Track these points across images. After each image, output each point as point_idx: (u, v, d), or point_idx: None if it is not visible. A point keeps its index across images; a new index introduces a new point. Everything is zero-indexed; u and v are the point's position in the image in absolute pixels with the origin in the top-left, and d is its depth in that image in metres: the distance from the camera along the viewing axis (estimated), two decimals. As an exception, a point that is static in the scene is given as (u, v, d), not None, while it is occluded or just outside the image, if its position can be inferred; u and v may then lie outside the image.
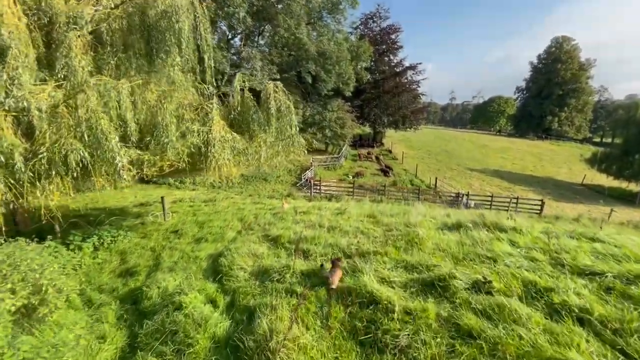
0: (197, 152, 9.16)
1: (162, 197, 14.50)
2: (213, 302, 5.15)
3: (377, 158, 35.00)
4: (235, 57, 27.00)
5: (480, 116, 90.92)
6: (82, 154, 6.41)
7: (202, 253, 7.59)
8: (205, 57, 9.71)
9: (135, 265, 7.87)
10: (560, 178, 35.90)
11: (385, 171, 30.28)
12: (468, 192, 23.56)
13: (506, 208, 21.97)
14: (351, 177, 28.76)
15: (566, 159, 45.66)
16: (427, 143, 50.65)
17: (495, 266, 5.02)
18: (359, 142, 42.07)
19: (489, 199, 22.54)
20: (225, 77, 25.71)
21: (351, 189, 23.11)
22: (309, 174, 27.56)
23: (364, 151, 37.55)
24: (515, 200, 22.24)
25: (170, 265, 7.28)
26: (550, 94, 66.26)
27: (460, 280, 4.58)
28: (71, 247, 9.43)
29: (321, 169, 30.58)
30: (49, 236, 9.68)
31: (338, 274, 4.97)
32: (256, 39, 29.52)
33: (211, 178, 26.42)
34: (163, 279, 5.93)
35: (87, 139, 6.59)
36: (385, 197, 21.99)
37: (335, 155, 33.21)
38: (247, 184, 26.78)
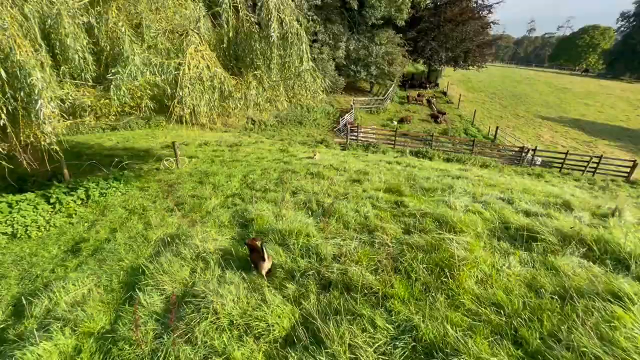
0: (167, 95, 6.58)
1: (173, 143, 12.68)
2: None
3: (428, 101, 29.73)
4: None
5: (564, 52, 73.70)
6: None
7: (157, 233, 5.52)
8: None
9: (85, 240, 6.14)
10: (661, 132, 27.69)
11: (436, 117, 25.50)
12: (535, 147, 18.61)
13: (582, 169, 17.02)
14: (395, 123, 24.72)
15: (673, 108, 35.13)
16: (492, 84, 42.34)
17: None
18: (409, 82, 36.11)
19: (562, 155, 17.54)
20: None
21: (392, 137, 19.51)
22: (347, 117, 24.08)
23: (414, 93, 32.14)
24: (597, 160, 17.02)
25: (99, 254, 5.36)
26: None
27: None
28: (51, 200, 8.06)
29: (362, 112, 26.73)
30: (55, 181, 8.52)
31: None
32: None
33: (243, 120, 24.45)
34: (61, 287, 3.97)
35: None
36: (432, 149, 18.19)
37: (380, 97, 28.69)
38: (280, 126, 24.30)
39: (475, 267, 3.47)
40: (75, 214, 8.04)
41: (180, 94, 6.22)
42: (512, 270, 3.45)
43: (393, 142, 19.32)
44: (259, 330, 2.91)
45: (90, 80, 6.09)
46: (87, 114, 5.80)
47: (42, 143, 5.29)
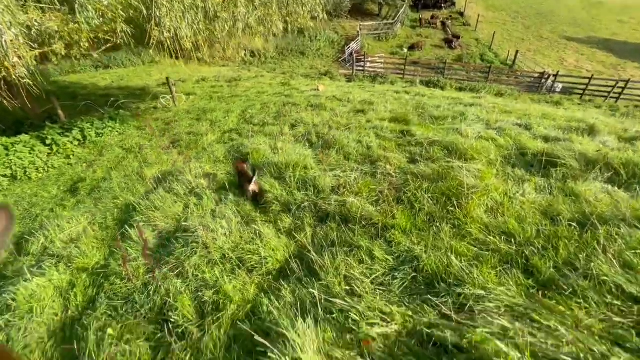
0: (143, 17, 5.78)
1: (167, 79, 11.90)
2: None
3: (442, 24, 26.82)
4: None
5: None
6: None
7: (152, 171, 5.30)
8: None
9: (82, 179, 6.00)
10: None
11: (450, 42, 23.21)
12: (557, 72, 17.04)
13: (605, 95, 15.75)
14: (405, 51, 22.69)
15: None
16: (515, 1, 37.60)
17: None
18: (422, 1, 32.22)
19: (585, 81, 16.11)
20: None
21: (402, 67, 18.03)
22: (354, 46, 22.11)
23: (427, 14, 28.86)
24: (622, 84, 15.61)
25: (96, 192, 5.20)
26: None
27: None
28: (47, 142, 7.82)
29: (370, 40, 24.45)
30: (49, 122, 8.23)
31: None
32: None
33: (242, 52, 22.68)
34: (57, 225, 3.88)
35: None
36: (444, 79, 16.87)
37: (390, 21, 25.92)
38: (282, 59, 22.63)
39: (486, 196, 3.15)
40: (73, 155, 7.86)
41: (158, 14, 5.42)
42: (526, 197, 3.13)
43: (402, 72, 17.91)
44: (252, 264, 2.77)
45: (57, 3, 5.30)
46: (55, 42, 5.14)
47: (13, 76, 4.80)
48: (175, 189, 4.18)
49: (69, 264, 3.19)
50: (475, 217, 2.88)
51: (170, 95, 11.87)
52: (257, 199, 3.61)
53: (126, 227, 3.48)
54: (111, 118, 9.58)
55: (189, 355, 2.02)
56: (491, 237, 2.63)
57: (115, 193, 4.76)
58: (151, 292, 2.53)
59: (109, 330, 2.22)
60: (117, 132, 9.12)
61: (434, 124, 5.87)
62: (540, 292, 2.10)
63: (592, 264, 2.17)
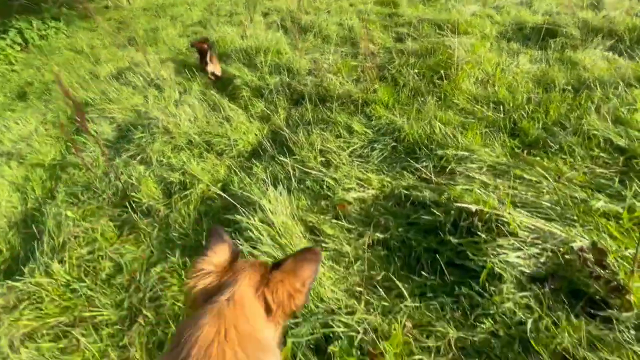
0: None
1: (114, -32, 9.87)
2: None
3: None
4: None
5: None
6: None
7: (107, 68, 4.64)
8: None
9: (30, 84, 5.29)
10: None
11: None
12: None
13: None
14: None
15: None
16: None
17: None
18: None
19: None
20: None
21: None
22: None
23: None
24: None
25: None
26: None
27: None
28: (-19, 46, 6.71)
29: None
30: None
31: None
32: None
33: None
34: (3, 126, 3.45)
35: None
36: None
37: None
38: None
39: (477, 67, 2.84)
40: (17, 61, 6.85)
41: None
42: (520, 68, 2.83)
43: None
44: (221, 147, 2.54)
45: None
46: None
47: None
48: (133, 82, 3.68)
49: (22, 161, 2.90)
50: (463, 88, 2.62)
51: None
52: (218, 79, 3.36)
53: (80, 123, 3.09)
54: (53, 18, 8.18)
55: (156, 230, 1.91)
56: (478, 107, 2.42)
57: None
58: (112, 179, 2.32)
59: (68, 212, 2.06)
60: (63, 34, 7.89)
61: (425, 5, 5.14)
62: (525, 152, 1.98)
63: (583, 120, 2.01)
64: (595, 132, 1.92)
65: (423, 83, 2.79)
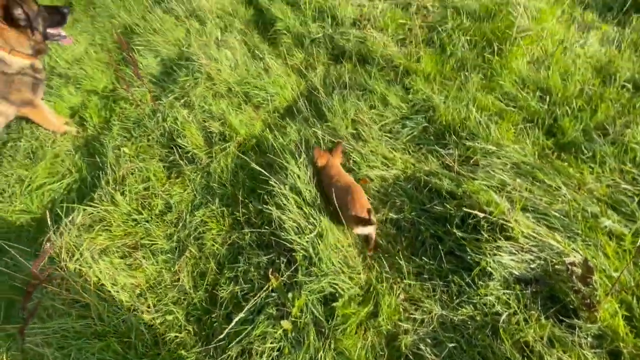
0: None
1: None
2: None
3: None
4: None
5: None
6: None
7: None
8: None
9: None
10: None
11: None
12: None
13: None
14: None
15: None
16: None
17: None
18: None
19: None
20: None
21: None
22: None
23: None
24: None
25: None
26: None
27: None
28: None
29: None
30: None
31: None
32: None
33: None
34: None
35: None
36: None
37: None
38: None
39: (536, 43, 2.60)
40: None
41: None
42: (585, 49, 2.57)
43: None
44: (258, 100, 2.65)
45: None
46: None
47: None
48: (174, 10, 3.63)
49: (78, 86, 3.14)
50: (513, 68, 2.47)
51: None
52: None
53: (126, 51, 3.21)
54: None
55: (198, 177, 2.19)
56: (523, 93, 2.32)
57: (111, 11, 4.22)
58: (160, 119, 2.54)
59: (125, 149, 2.35)
60: None
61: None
62: (555, 154, 1.98)
63: (628, 129, 1.93)
64: (635, 146, 1.86)
65: (472, 55, 2.63)
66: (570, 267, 1.46)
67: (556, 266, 1.51)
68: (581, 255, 1.51)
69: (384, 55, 2.69)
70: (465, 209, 1.62)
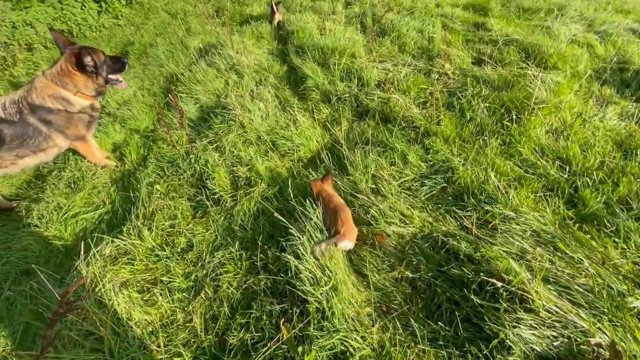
0: None
1: None
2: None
3: None
4: None
5: None
6: None
7: (196, 42, 5.10)
8: None
9: (131, 43, 5.99)
10: None
11: None
12: None
13: None
14: None
15: None
16: None
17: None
18: None
19: None
20: None
21: None
22: None
23: None
24: None
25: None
26: None
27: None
28: (97, -3, 7.63)
29: None
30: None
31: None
32: None
33: None
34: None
35: None
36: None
37: None
38: None
39: (554, 114, 2.71)
40: (122, 16, 7.69)
41: None
42: (604, 123, 2.65)
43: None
44: (285, 149, 2.82)
45: None
46: None
47: None
48: (217, 63, 4.06)
49: (123, 124, 3.46)
50: (532, 136, 2.55)
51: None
52: (280, 28, 5.10)
53: (170, 97, 3.57)
54: (156, -25, 8.85)
55: (222, 218, 2.29)
56: (542, 161, 2.37)
57: (161, 61, 4.75)
58: (192, 160, 2.74)
59: (158, 187, 2.52)
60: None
61: (520, 18, 4.76)
62: (576, 225, 1.97)
63: (653, 206, 1.92)
64: (661, 224, 1.84)
65: (491, 121, 2.76)
66: (596, 349, 1.39)
67: (581, 346, 1.44)
68: (608, 336, 1.43)
69: (405, 116, 2.86)
70: (483, 275, 1.61)
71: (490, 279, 1.58)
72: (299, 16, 5.06)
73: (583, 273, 1.71)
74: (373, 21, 4.74)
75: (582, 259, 1.76)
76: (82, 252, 1.83)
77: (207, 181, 2.51)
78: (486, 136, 2.62)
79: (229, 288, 1.91)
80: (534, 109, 2.67)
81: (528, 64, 3.29)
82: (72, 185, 2.78)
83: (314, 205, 2.04)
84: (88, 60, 2.48)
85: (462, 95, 3.02)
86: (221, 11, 6.59)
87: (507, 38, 3.88)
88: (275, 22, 5.16)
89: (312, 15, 5.13)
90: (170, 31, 6.15)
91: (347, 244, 1.86)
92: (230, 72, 3.90)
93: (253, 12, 6.08)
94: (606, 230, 1.89)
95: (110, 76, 2.71)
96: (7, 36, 5.04)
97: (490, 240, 1.88)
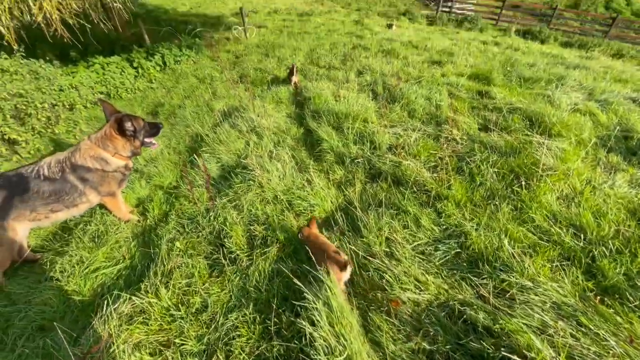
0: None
1: (240, 9, 11.82)
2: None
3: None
4: None
5: None
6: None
7: (220, 104, 5.60)
8: None
9: (161, 104, 6.59)
10: None
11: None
12: None
13: None
14: (506, -11, 18.97)
15: None
16: None
17: None
18: None
19: None
20: None
21: (498, 10, 15.39)
22: (443, -20, 19.07)
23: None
24: None
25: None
26: None
27: None
28: (134, 64, 8.59)
29: (465, -27, 20.76)
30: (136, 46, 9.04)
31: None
32: None
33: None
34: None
35: None
36: (548, 29, 14.09)
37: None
38: (358, -8, 20.64)
39: (563, 181, 2.79)
40: (155, 80, 8.54)
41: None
42: (614, 190, 2.70)
43: (497, 17, 15.29)
44: (300, 209, 2.92)
45: None
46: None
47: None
48: (239, 125, 4.40)
49: (149, 181, 3.69)
50: (543, 202, 2.61)
51: (242, 27, 11.90)
52: (296, 88, 5.78)
53: (195, 155, 3.84)
54: (188, 47, 10.02)
55: (237, 278, 2.33)
56: (556, 228, 2.39)
57: (187, 121, 5.18)
58: (211, 218, 2.86)
59: (177, 244, 2.62)
60: (192, 60, 9.60)
61: (521, 87, 5.11)
62: (597, 298, 1.93)
63: (676, 280, 1.88)
64: (687, 300, 1.78)
65: (501, 186, 2.84)
66: None
67: None
68: None
69: (417, 179, 2.99)
70: (504, 351, 1.56)
71: (512, 356, 1.54)
72: (315, 84, 5.55)
73: (611, 352, 1.63)
74: (383, 89, 5.16)
75: (607, 337, 1.70)
76: (103, 310, 1.88)
77: (225, 239, 2.59)
78: (497, 201, 2.68)
79: (240, 354, 1.88)
80: (542, 175, 2.77)
81: (532, 133, 3.47)
82: (96, 240, 2.90)
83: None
84: (129, 125, 2.76)
85: (470, 160, 3.16)
86: (244, 77, 7.29)
87: (510, 106, 4.14)
88: (293, 83, 5.92)
89: (327, 83, 5.63)
90: (198, 94, 6.78)
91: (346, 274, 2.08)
92: (251, 134, 4.21)
93: (272, 79, 6.70)
94: (630, 305, 1.84)
95: (145, 139, 2.99)
96: (54, 98, 5.64)
97: (509, 312, 1.85)
